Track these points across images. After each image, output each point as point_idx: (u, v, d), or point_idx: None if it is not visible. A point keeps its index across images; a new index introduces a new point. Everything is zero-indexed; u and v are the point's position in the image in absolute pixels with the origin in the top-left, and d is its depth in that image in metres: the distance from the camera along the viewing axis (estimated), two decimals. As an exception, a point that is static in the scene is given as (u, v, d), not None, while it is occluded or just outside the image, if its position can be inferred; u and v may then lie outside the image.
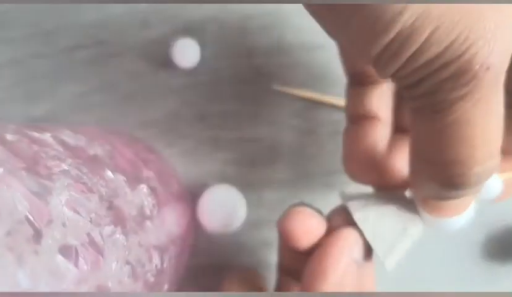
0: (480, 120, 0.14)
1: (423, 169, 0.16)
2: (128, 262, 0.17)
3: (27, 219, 0.13)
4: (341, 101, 0.26)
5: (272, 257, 0.26)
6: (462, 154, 0.14)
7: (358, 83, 0.21)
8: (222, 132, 0.27)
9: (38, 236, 0.13)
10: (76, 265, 0.14)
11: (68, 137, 0.18)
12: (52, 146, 0.17)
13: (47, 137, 0.17)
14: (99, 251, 0.15)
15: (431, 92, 0.14)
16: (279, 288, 0.21)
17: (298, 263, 0.19)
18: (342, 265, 0.17)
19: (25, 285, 0.12)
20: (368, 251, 0.18)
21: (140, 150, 0.23)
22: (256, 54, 0.27)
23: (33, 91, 0.26)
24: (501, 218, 0.27)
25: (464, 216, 0.18)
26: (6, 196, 0.13)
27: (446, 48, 0.13)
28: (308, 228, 0.18)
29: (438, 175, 0.15)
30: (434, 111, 0.14)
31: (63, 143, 0.17)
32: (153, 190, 0.20)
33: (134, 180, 0.19)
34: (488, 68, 0.13)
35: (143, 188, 0.20)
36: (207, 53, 0.26)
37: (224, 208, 0.23)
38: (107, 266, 0.16)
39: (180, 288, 0.23)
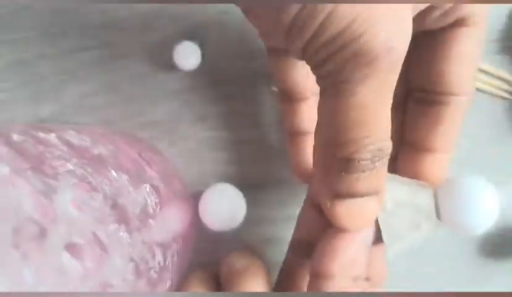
0: (378, 105, 0.15)
1: (324, 153, 0.17)
2: (132, 259, 0.17)
3: (32, 217, 0.13)
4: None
5: (271, 255, 0.27)
6: (359, 134, 0.15)
7: (288, 100, 0.23)
8: (222, 133, 0.27)
9: (43, 234, 0.13)
10: (81, 262, 0.14)
11: (73, 137, 0.18)
12: (58, 146, 0.17)
13: (52, 137, 0.17)
14: (104, 249, 0.16)
15: (335, 72, 0.15)
16: (287, 266, 0.21)
17: (315, 237, 0.19)
18: (355, 246, 0.18)
19: (30, 282, 0.12)
20: (379, 236, 0.18)
21: (143, 150, 0.24)
22: (256, 56, 0.27)
23: (38, 92, 0.26)
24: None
25: (484, 216, 0.19)
26: (12, 195, 0.13)
27: (345, 29, 0.14)
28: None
29: (336, 155, 0.16)
30: (338, 91, 0.15)
31: (68, 143, 0.18)
32: (155, 189, 0.20)
33: (137, 179, 0.20)
34: (388, 50, 0.14)
35: (146, 187, 0.20)
36: (208, 56, 0.26)
37: (225, 206, 0.23)
38: (111, 264, 0.16)
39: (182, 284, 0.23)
